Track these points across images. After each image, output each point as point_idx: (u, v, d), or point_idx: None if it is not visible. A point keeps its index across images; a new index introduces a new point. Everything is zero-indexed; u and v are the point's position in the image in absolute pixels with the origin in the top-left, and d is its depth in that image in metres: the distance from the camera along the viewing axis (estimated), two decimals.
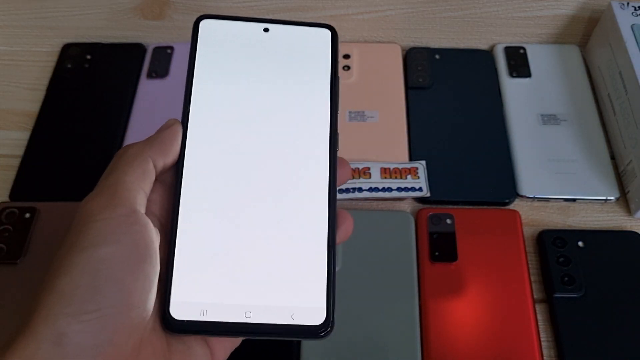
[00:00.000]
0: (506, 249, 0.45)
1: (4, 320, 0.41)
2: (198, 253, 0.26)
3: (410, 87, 0.55)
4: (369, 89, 0.55)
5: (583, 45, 0.59)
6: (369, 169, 0.49)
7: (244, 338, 0.27)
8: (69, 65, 0.57)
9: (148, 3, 0.58)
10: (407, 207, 0.49)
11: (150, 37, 0.59)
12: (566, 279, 0.44)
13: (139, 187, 0.25)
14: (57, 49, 0.58)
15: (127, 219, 0.24)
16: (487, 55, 0.58)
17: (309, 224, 0.27)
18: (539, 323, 0.43)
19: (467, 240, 0.46)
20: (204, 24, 0.30)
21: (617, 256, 0.45)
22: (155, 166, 0.27)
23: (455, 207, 0.48)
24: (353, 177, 0.49)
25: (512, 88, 0.55)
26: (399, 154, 0.51)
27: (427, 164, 0.49)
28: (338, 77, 0.30)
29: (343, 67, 0.56)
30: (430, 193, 0.48)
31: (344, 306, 0.41)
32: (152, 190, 0.27)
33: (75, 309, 0.22)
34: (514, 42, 0.58)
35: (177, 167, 0.28)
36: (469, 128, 0.53)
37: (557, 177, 0.49)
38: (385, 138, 0.52)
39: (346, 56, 0.57)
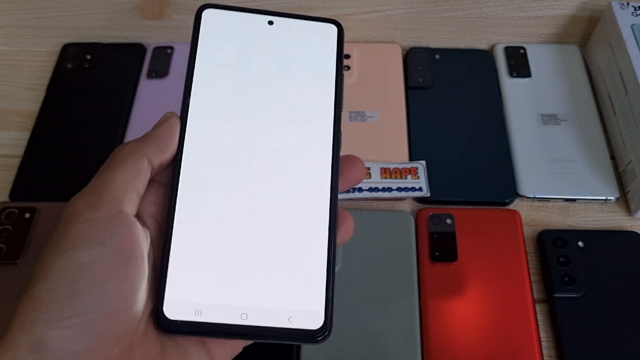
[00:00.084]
0: (506, 249, 0.45)
1: (3, 320, 0.41)
2: (194, 252, 0.26)
3: (410, 87, 0.55)
4: (369, 89, 0.55)
5: (583, 45, 0.59)
6: (369, 169, 0.49)
7: (239, 340, 0.27)
8: (69, 65, 0.57)
9: (148, 3, 0.58)
10: (407, 207, 0.49)
11: (150, 37, 0.59)
12: (566, 279, 0.44)
13: (130, 186, 0.24)
14: (57, 49, 0.58)
15: (112, 220, 0.23)
16: (487, 55, 0.58)
17: (310, 225, 0.27)
18: (539, 323, 0.43)
19: (467, 240, 0.46)
20: (207, 14, 0.29)
21: (617, 256, 0.45)
22: (151, 164, 0.26)
23: (455, 207, 0.48)
24: None
25: (512, 88, 0.55)
26: (399, 154, 0.51)
27: (427, 164, 0.49)
28: (343, 75, 0.29)
29: (343, 67, 0.56)
30: (430, 193, 0.48)
31: (344, 306, 0.41)
32: (149, 189, 0.26)
33: (53, 315, 0.21)
34: (514, 42, 0.58)
35: (175, 163, 0.27)
36: (469, 128, 0.53)
37: (557, 177, 0.49)
38: (385, 138, 0.52)
39: (346, 56, 0.57)
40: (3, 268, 0.44)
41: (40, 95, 0.55)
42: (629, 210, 0.49)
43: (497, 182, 0.50)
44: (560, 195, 0.49)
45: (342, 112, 0.29)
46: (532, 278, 0.45)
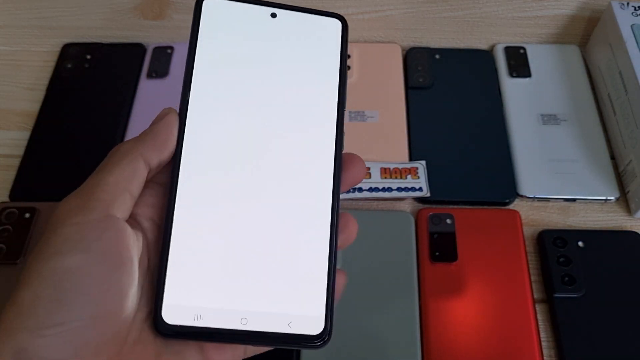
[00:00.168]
0: (506, 249, 0.45)
1: None
2: (194, 255, 0.25)
3: (410, 87, 0.55)
4: (369, 89, 0.55)
5: (583, 45, 0.59)
6: (369, 169, 0.49)
7: (238, 346, 0.26)
8: (69, 65, 0.57)
9: (148, 3, 0.58)
10: (407, 207, 0.49)
11: (150, 37, 0.59)
12: (566, 279, 0.44)
13: (123, 188, 0.24)
14: (57, 49, 0.58)
15: (100, 224, 0.22)
16: (487, 55, 0.58)
17: (311, 230, 0.26)
18: (539, 323, 0.43)
19: (467, 240, 0.46)
20: (208, 4, 0.28)
21: (617, 256, 0.45)
22: (148, 164, 0.25)
23: (455, 207, 0.48)
24: None
25: (512, 88, 0.55)
26: (399, 154, 0.51)
27: (427, 164, 0.49)
28: (346, 71, 0.29)
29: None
30: (430, 193, 0.48)
31: (344, 306, 0.41)
32: (146, 191, 0.25)
33: (36, 323, 0.20)
34: (514, 42, 0.58)
35: (174, 162, 0.26)
36: (469, 128, 0.53)
37: (557, 177, 0.49)
38: (385, 138, 0.52)
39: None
40: (3, 268, 0.44)
41: (40, 95, 0.55)
42: (629, 210, 0.49)
43: (497, 182, 0.50)
44: (560, 195, 0.49)
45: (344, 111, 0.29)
46: (532, 278, 0.45)
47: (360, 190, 0.48)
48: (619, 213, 0.49)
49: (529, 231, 0.48)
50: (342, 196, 0.48)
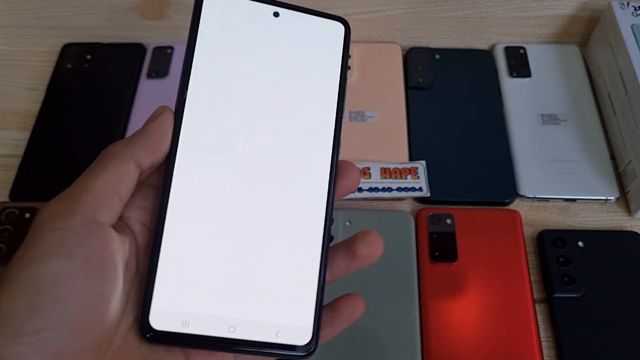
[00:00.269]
0: (506, 249, 0.45)
1: None
2: (184, 261, 0.24)
3: (410, 87, 0.55)
4: (369, 89, 0.55)
5: (583, 45, 0.59)
6: (369, 169, 0.49)
7: (225, 354, 0.25)
8: (69, 65, 0.57)
9: (148, 3, 0.58)
10: (407, 207, 0.49)
11: (150, 37, 0.59)
12: (566, 279, 0.44)
13: (111, 191, 0.23)
14: (57, 49, 0.58)
15: (83, 230, 0.22)
16: (487, 55, 0.58)
17: (304, 239, 0.26)
18: (539, 323, 0.43)
19: (467, 240, 0.46)
20: (209, 0, 0.27)
21: (617, 256, 0.45)
22: (140, 166, 0.24)
23: (455, 207, 0.48)
24: None
25: (512, 88, 0.55)
26: (399, 154, 0.51)
27: (427, 164, 0.49)
28: (347, 77, 0.28)
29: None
30: (430, 193, 0.48)
31: None
32: (137, 194, 0.25)
33: (12, 330, 0.20)
34: (514, 42, 0.58)
35: (167, 164, 0.25)
36: (469, 128, 0.53)
37: (557, 177, 0.49)
38: (385, 138, 0.52)
39: None
40: (3, 268, 0.44)
41: (40, 95, 0.55)
42: (629, 210, 0.49)
43: (497, 182, 0.50)
44: (560, 195, 0.49)
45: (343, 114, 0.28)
46: (532, 278, 0.45)
47: (360, 190, 0.48)
48: (619, 213, 0.49)
49: (529, 231, 0.48)
50: None
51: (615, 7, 0.53)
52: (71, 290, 0.21)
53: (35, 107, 0.54)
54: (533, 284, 0.44)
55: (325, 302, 0.26)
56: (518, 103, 0.54)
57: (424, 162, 0.50)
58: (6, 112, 0.55)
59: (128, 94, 0.55)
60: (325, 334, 0.26)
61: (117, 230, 0.23)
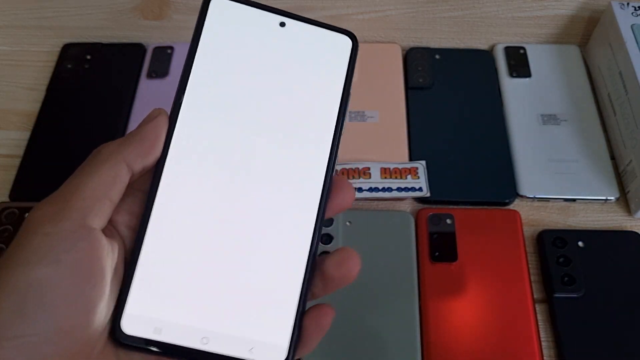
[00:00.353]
0: (506, 249, 0.45)
1: None
2: (162, 268, 0.24)
3: (410, 87, 0.55)
4: (369, 89, 0.55)
5: (583, 45, 0.59)
6: (369, 169, 0.49)
7: None
8: (69, 65, 0.57)
9: (148, 3, 0.58)
10: (407, 207, 0.49)
11: (150, 37, 0.59)
12: (566, 279, 0.44)
13: (102, 195, 0.23)
14: (57, 49, 0.58)
15: (73, 234, 0.21)
16: (487, 55, 0.58)
17: (288, 255, 0.25)
18: (539, 323, 0.43)
19: (467, 240, 0.46)
20: (215, 4, 0.26)
21: (617, 256, 0.45)
22: (131, 170, 0.24)
23: (455, 207, 0.48)
24: (353, 177, 0.49)
25: (512, 88, 0.55)
26: (399, 154, 0.51)
27: (427, 164, 0.49)
28: (350, 93, 0.27)
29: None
30: (430, 193, 0.48)
31: (344, 306, 0.41)
32: (127, 197, 0.24)
33: None
34: (514, 42, 0.58)
35: (157, 168, 0.25)
36: (469, 128, 0.53)
37: (557, 177, 0.49)
38: (385, 138, 0.52)
39: None
40: None
41: (40, 95, 0.55)
42: (629, 210, 0.49)
43: (497, 182, 0.50)
44: (560, 195, 0.49)
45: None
46: (532, 278, 0.45)
47: (360, 190, 0.48)
48: (619, 213, 0.49)
49: (529, 231, 0.48)
50: None
51: (615, 7, 0.53)
52: (57, 296, 0.21)
53: (35, 107, 0.54)
54: (533, 284, 0.44)
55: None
56: (518, 103, 0.54)
57: (424, 162, 0.50)
58: (6, 112, 0.55)
59: (128, 94, 0.55)
60: (299, 353, 0.25)
61: (106, 234, 0.23)
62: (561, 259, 0.45)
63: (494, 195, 0.49)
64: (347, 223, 0.47)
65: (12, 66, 0.58)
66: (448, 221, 0.47)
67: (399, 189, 0.48)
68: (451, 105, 0.54)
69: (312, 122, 0.26)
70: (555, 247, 0.46)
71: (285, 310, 0.25)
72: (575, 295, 0.43)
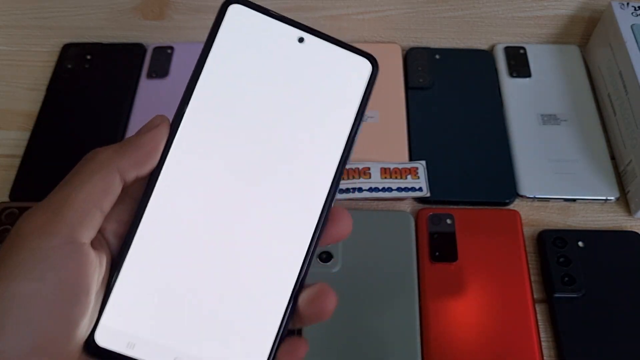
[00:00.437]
0: (506, 249, 0.45)
1: None
2: (142, 283, 0.23)
3: (410, 87, 0.55)
4: None
5: (583, 45, 0.59)
6: (369, 169, 0.49)
7: None
8: (69, 65, 0.57)
9: (148, 3, 0.58)
10: (407, 207, 0.49)
11: (150, 37, 0.59)
12: (566, 279, 0.44)
13: (93, 205, 0.22)
14: (57, 49, 0.58)
15: (60, 250, 0.21)
16: (487, 55, 0.58)
17: (274, 284, 0.24)
18: (539, 323, 0.43)
19: (467, 240, 0.46)
20: (234, 10, 0.25)
21: (617, 256, 0.45)
22: (124, 179, 0.23)
23: (455, 207, 0.48)
24: (353, 177, 0.49)
25: (512, 88, 0.55)
26: (399, 154, 0.51)
27: (427, 164, 0.49)
28: (362, 119, 0.26)
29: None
30: (430, 193, 0.48)
31: (344, 306, 0.41)
32: (118, 206, 0.23)
33: None
34: (514, 42, 0.58)
35: (150, 178, 0.24)
36: (469, 128, 0.53)
37: (557, 177, 0.49)
38: (385, 138, 0.52)
39: None
40: None
41: (40, 95, 0.55)
42: (629, 210, 0.49)
43: (497, 182, 0.50)
44: (560, 195, 0.49)
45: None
46: (532, 278, 0.45)
47: (360, 190, 0.48)
48: (619, 213, 0.49)
49: (529, 231, 0.48)
50: (342, 196, 0.48)
51: (615, 7, 0.53)
52: (39, 313, 0.20)
53: (35, 107, 0.54)
54: (533, 284, 0.44)
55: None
56: (518, 103, 0.54)
57: (424, 162, 0.50)
58: (6, 112, 0.55)
59: (128, 94, 0.55)
60: None
61: (94, 245, 0.23)
62: (561, 259, 0.45)
63: (494, 195, 0.49)
64: None
65: (12, 66, 0.58)
66: (448, 221, 0.47)
67: (399, 189, 0.48)
68: (451, 106, 0.54)
69: (318, 147, 0.25)
70: (555, 247, 0.46)
71: (264, 339, 0.24)
72: (575, 295, 0.43)
